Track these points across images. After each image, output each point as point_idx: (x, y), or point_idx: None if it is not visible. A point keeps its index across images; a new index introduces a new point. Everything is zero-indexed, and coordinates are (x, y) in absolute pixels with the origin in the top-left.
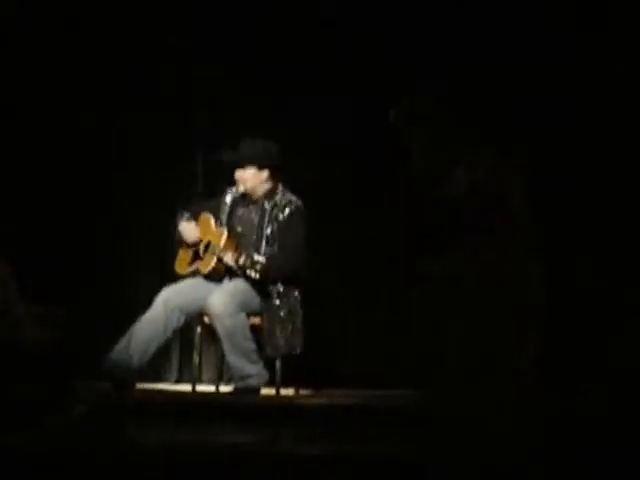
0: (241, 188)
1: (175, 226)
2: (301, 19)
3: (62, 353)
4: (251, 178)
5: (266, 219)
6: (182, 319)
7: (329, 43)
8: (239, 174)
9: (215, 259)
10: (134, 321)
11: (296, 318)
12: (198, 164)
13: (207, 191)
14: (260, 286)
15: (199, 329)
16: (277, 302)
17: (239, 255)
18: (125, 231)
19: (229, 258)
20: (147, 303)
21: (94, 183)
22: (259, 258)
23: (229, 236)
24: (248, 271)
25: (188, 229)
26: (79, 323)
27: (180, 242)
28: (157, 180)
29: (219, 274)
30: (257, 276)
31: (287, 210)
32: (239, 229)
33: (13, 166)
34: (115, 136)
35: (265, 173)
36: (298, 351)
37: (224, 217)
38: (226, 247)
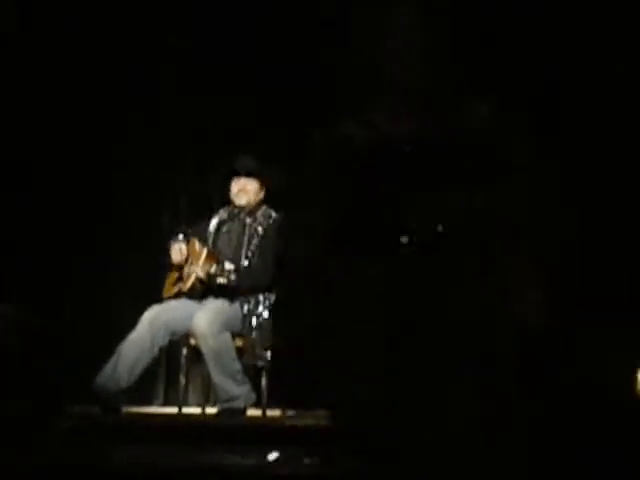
0: (243, 200)
1: (168, 247)
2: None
3: (46, 367)
4: (252, 192)
5: (247, 234)
6: (167, 338)
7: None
8: (242, 186)
9: (193, 276)
10: (119, 343)
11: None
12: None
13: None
14: (235, 296)
15: (185, 351)
16: (253, 321)
17: (210, 266)
18: (111, 253)
19: (200, 270)
20: (133, 324)
21: (81, 198)
22: (229, 266)
23: (209, 253)
24: (218, 279)
25: (175, 250)
26: (65, 344)
27: (170, 266)
28: (145, 198)
29: (198, 291)
30: (225, 281)
31: (266, 223)
32: (220, 245)
33: None
34: (103, 155)
35: (260, 188)
36: (262, 363)
37: (210, 237)
38: (205, 264)
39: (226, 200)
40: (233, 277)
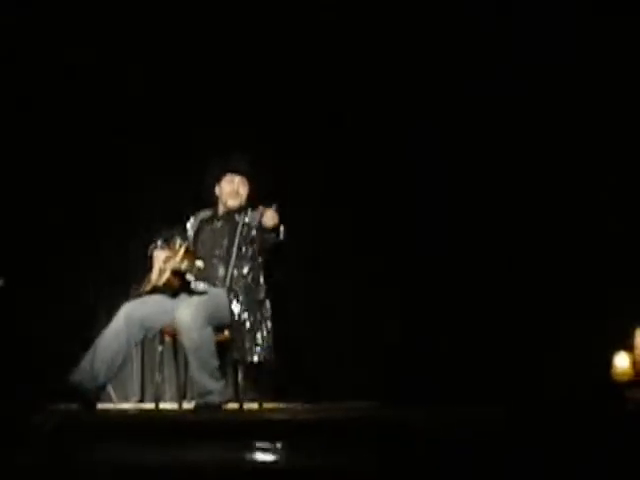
0: (236, 202)
1: (149, 253)
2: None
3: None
4: (244, 194)
5: (238, 231)
6: (142, 332)
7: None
8: (235, 188)
9: (168, 272)
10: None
11: (265, 328)
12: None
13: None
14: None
15: (160, 347)
16: (248, 311)
17: (182, 260)
18: (86, 247)
19: (172, 263)
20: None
21: (65, 195)
22: (199, 263)
23: (187, 250)
24: (188, 275)
25: (158, 257)
26: (39, 342)
27: (150, 269)
28: (128, 195)
29: (172, 287)
30: (192, 278)
31: (258, 220)
32: (207, 244)
33: None
34: (88, 156)
35: (250, 188)
36: (266, 360)
37: (190, 240)
38: (183, 260)
39: (207, 198)
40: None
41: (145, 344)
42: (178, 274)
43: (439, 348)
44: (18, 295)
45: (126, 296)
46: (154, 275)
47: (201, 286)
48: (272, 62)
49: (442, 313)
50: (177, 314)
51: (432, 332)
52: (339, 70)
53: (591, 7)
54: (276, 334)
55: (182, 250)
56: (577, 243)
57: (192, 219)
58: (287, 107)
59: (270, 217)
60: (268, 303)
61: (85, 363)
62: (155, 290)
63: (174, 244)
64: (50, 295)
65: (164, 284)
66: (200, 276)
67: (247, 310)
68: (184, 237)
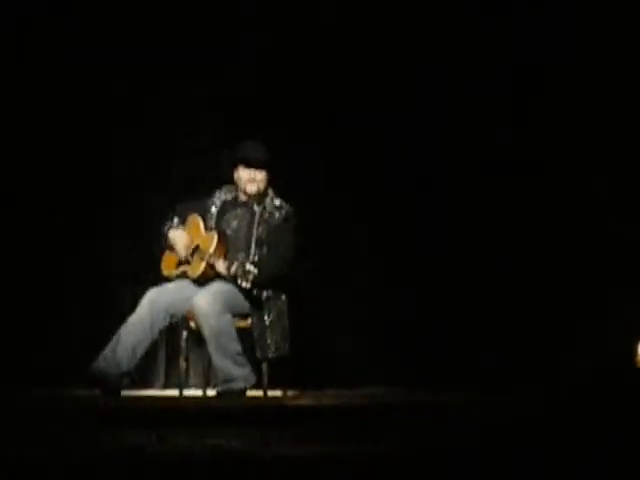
0: (254, 189)
1: (163, 232)
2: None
3: None
4: (262, 180)
5: (256, 222)
6: (167, 320)
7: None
8: (252, 175)
9: (204, 264)
10: (118, 325)
11: (284, 321)
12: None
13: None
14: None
15: (185, 333)
16: (266, 305)
17: (230, 263)
18: (107, 235)
19: (221, 266)
20: (132, 306)
21: (75, 186)
22: (251, 268)
23: (219, 241)
24: (239, 280)
25: (179, 237)
26: (65, 330)
27: (171, 248)
28: (138, 182)
29: (208, 279)
30: (248, 286)
31: (278, 214)
32: (228, 232)
33: None
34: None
35: (267, 176)
36: (286, 353)
37: (212, 220)
38: (216, 253)
39: (225, 179)
40: (255, 280)
41: (170, 330)
42: (213, 267)
43: (454, 335)
44: (39, 279)
45: (151, 282)
46: (182, 251)
47: (249, 267)
48: (270, 54)
49: (458, 299)
50: (195, 301)
51: (447, 318)
52: (339, 69)
53: (591, 7)
54: (293, 324)
55: (215, 241)
56: (601, 231)
57: (216, 197)
58: (286, 108)
59: (222, 268)
60: (284, 296)
61: (108, 350)
62: (182, 276)
63: (197, 225)
64: (73, 280)
65: (198, 277)
66: (253, 281)
67: (267, 304)
68: (203, 216)
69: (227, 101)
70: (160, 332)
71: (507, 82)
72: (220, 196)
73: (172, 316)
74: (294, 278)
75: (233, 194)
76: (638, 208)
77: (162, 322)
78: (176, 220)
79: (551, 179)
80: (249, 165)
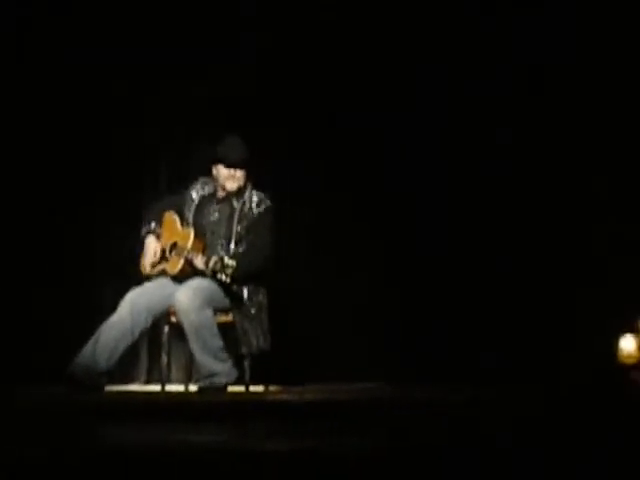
0: (234, 186)
1: (141, 235)
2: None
3: None
4: (242, 177)
5: (236, 217)
6: (149, 320)
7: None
8: (232, 173)
9: (182, 261)
10: (100, 324)
11: (264, 316)
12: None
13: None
14: (228, 284)
15: (167, 329)
16: (247, 300)
17: (208, 258)
18: (91, 232)
19: (199, 261)
20: (114, 305)
21: (58, 184)
22: (230, 262)
23: (196, 236)
24: (219, 275)
25: (150, 246)
26: (46, 326)
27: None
28: (122, 178)
29: (187, 275)
30: (228, 280)
31: (257, 209)
32: (207, 228)
33: None
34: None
35: (247, 172)
36: (268, 348)
37: (190, 215)
38: (194, 248)
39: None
40: (234, 274)
41: (152, 326)
42: (191, 263)
43: (443, 331)
44: (22, 279)
45: (133, 281)
46: (149, 261)
47: (227, 261)
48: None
49: (458, 298)
50: (176, 296)
51: (447, 317)
52: (339, 69)
53: (591, 7)
54: (277, 319)
55: (191, 236)
56: (582, 229)
57: (194, 192)
58: (286, 108)
59: (200, 263)
60: (264, 291)
61: (87, 349)
62: (161, 274)
63: (173, 222)
64: (55, 280)
65: (177, 274)
66: (232, 275)
67: (248, 299)
68: (180, 210)
69: (227, 101)
70: (141, 333)
71: (507, 82)
72: (198, 190)
73: (154, 316)
74: (276, 272)
75: (211, 189)
76: (638, 208)
77: (143, 323)
78: (153, 224)
79: (551, 179)
80: (229, 164)
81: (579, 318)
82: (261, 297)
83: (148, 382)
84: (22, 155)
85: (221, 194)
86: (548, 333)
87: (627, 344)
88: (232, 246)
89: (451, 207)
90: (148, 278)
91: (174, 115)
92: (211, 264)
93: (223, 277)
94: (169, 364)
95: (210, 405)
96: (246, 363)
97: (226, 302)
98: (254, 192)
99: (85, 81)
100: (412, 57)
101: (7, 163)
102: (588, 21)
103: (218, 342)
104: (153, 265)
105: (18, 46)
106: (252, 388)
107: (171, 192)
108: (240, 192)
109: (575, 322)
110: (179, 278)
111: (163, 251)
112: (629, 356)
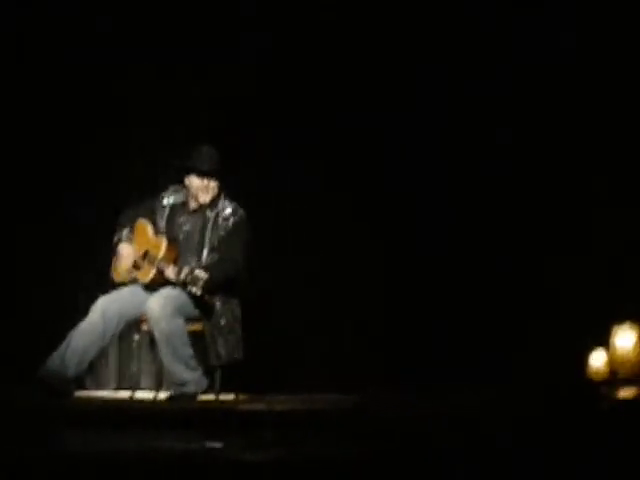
0: (207, 198)
1: (114, 235)
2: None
3: None
4: (215, 187)
5: (209, 227)
6: (121, 326)
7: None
8: (205, 183)
9: (154, 270)
10: (71, 328)
11: (236, 326)
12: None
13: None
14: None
15: (137, 336)
16: (218, 310)
17: (180, 269)
18: (62, 235)
19: (170, 272)
20: (85, 309)
21: (58, 184)
22: (201, 274)
23: (169, 246)
24: (189, 286)
25: (124, 254)
26: (16, 330)
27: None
28: (97, 181)
29: (159, 284)
30: (199, 292)
31: (231, 219)
32: (180, 237)
33: None
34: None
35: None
36: (239, 358)
37: (163, 223)
38: (166, 258)
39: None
40: (205, 286)
41: (123, 332)
42: (163, 272)
43: (416, 340)
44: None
45: (101, 288)
46: (121, 267)
47: (199, 273)
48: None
49: (457, 298)
50: (147, 304)
51: (446, 317)
52: (339, 69)
53: (591, 7)
54: (252, 329)
55: (164, 245)
56: (557, 243)
57: (164, 201)
58: (286, 108)
59: (171, 274)
60: (237, 301)
61: (57, 355)
62: (132, 282)
63: (144, 229)
64: (27, 285)
65: (149, 283)
66: (204, 287)
67: (220, 309)
68: (151, 218)
69: (227, 101)
70: (112, 338)
71: (507, 82)
72: (169, 200)
73: (126, 322)
74: (249, 281)
75: (182, 198)
76: (638, 208)
77: (115, 328)
78: (125, 232)
79: (551, 179)
80: (202, 174)
81: (549, 332)
82: (234, 307)
83: (118, 389)
84: (20, 155)
85: (194, 205)
86: (515, 348)
87: (597, 359)
88: (204, 256)
89: (451, 207)
90: (120, 285)
91: (174, 115)
92: (182, 275)
93: (194, 289)
94: (139, 371)
95: (179, 413)
96: (216, 373)
97: (197, 311)
98: (227, 202)
99: (85, 81)
100: (412, 57)
101: (7, 163)
102: (588, 21)
103: (188, 350)
104: (126, 272)
105: (18, 46)
106: (222, 397)
107: (142, 198)
108: (213, 202)
109: (544, 336)
110: (151, 286)
111: (135, 259)
112: (598, 372)
